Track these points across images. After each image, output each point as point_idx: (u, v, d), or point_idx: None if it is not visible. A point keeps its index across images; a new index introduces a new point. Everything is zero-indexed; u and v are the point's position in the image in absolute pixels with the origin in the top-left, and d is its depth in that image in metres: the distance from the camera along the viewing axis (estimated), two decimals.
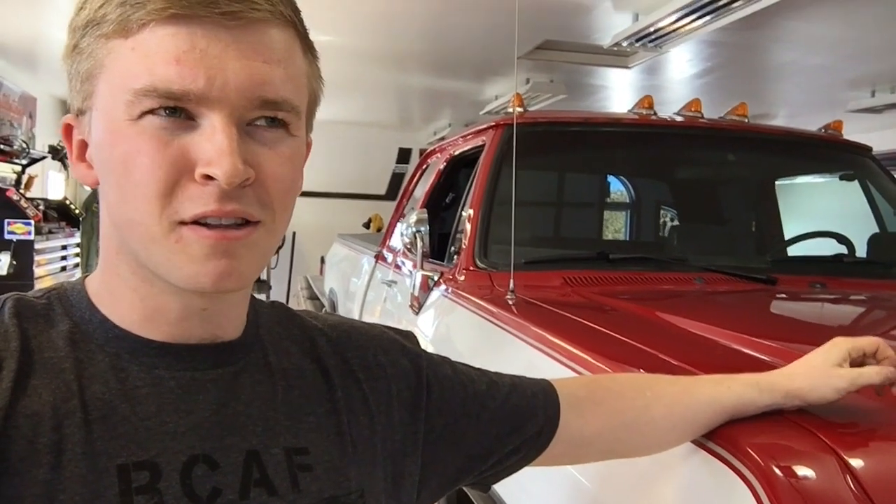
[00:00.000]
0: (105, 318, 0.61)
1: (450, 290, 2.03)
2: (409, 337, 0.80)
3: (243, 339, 0.65)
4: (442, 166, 2.78)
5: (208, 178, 0.54)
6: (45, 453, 0.53)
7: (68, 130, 0.62)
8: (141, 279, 0.60)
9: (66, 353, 0.58)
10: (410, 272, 2.33)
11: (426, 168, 3.19)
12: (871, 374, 0.83)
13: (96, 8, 0.56)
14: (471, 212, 2.11)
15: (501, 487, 1.06)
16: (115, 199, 0.58)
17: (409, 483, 0.72)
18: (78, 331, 0.60)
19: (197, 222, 0.55)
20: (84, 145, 0.61)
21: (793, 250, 2.44)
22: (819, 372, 0.84)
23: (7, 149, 5.10)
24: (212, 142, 0.54)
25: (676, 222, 2.86)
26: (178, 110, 0.55)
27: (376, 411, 0.71)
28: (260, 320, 0.69)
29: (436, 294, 2.12)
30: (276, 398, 0.64)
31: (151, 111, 0.54)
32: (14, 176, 5.37)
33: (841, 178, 2.60)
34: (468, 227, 2.09)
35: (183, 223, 0.55)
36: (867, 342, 0.85)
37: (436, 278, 2.15)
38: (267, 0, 0.56)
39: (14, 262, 4.56)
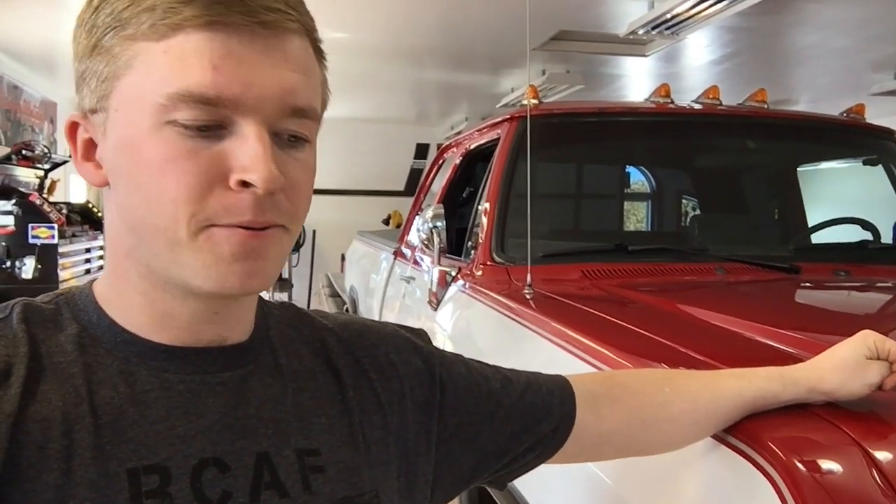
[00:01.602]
0: (113, 322, 0.60)
1: (467, 286, 2.02)
2: (422, 335, 0.79)
3: (252, 341, 0.65)
4: (458, 161, 2.77)
5: (244, 184, 0.55)
6: (56, 458, 0.53)
7: (73, 129, 0.61)
8: (151, 284, 0.59)
9: (74, 357, 0.58)
10: (428, 268, 2.32)
11: (442, 163, 3.18)
12: None
13: (121, 9, 0.55)
14: (487, 206, 2.10)
15: (522, 485, 1.05)
16: (134, 203, 0.57)
17: (422, 482, 0.72)
18: (86, 335, 0.59)
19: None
20: (91, 144, 0.60)
21: (816, 238, 2.40)
22: (848, 366, 0.80)
23: (29, 154, 5.16)
24: (247, 148, 0.55)
25: (696, 212, 2.83)
26: (208, 125, 0.54)
27: (389, 411, 0.70)
28: (270, 322, 0.68)
29: (453, 290, 2.11)
30: (287, 400, 0.64)
31: (182, 122, 0.54)
32: (37, 181, 5.44)
33: (864, 163, 2.55)
34: (484, 221, 2.08)
35: (213, 226, 0.56)
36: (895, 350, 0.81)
37: (453, 274, 2.14)
38: (296, 10, 0.57)
39: (39, 266, 4.61)
